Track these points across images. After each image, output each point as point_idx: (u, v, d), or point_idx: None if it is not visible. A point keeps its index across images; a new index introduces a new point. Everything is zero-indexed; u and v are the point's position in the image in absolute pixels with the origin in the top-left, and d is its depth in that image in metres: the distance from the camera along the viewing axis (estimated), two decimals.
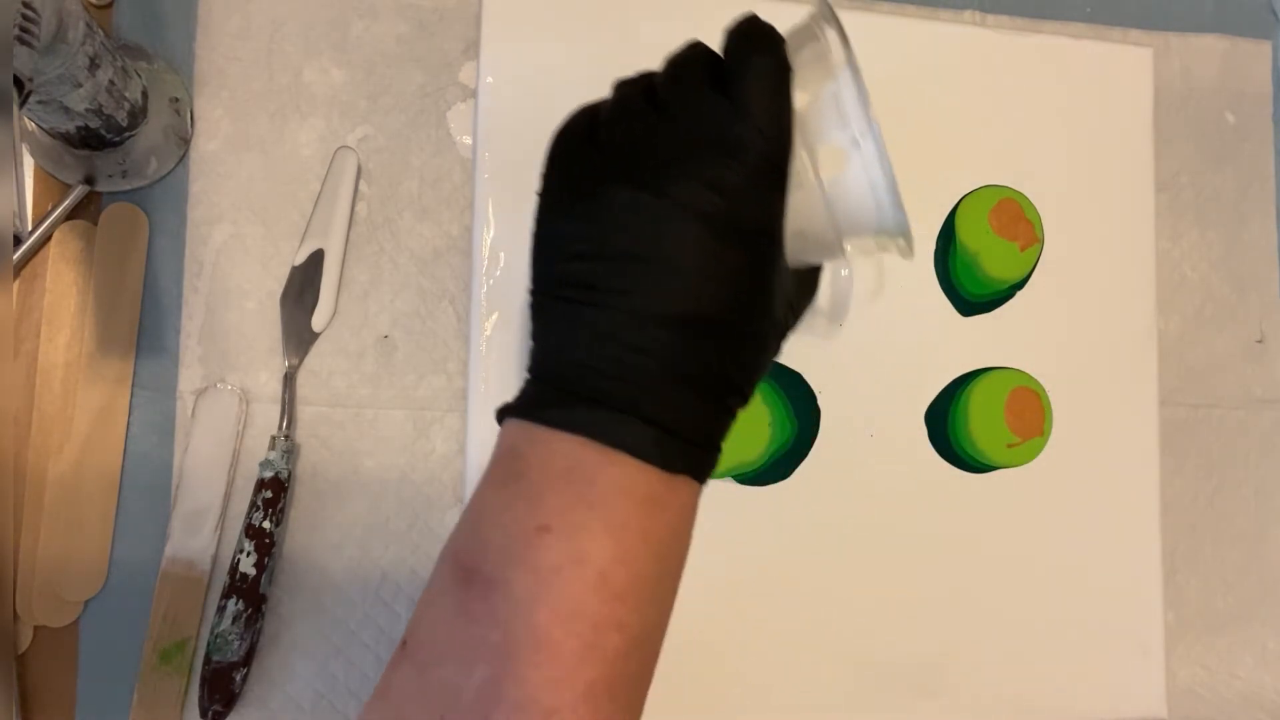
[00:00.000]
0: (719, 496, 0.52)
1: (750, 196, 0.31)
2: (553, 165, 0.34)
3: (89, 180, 0.48)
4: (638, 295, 0.30)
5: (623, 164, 0.31)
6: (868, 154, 0.32)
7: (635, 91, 0.34)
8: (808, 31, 0.35)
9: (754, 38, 0.33)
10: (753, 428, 0.52)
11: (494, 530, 0.31)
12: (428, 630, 0.31)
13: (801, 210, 0.33)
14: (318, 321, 0.50)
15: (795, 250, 0.34)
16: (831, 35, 0.34)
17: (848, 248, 0.36)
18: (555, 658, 0.29)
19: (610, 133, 0.33)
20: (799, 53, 0.34)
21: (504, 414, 0.33)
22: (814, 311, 0.39)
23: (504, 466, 0.32)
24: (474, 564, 0.31)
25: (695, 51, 0.34)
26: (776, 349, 0.36)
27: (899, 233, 0.34)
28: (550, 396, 0.31)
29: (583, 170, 0.32)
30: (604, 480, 0.30)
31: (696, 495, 0.34)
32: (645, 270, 0.30)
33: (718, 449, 0.34)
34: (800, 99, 0.33)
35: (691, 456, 0.32)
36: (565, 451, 0.30)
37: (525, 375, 0.33)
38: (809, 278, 0.39)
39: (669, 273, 0.30)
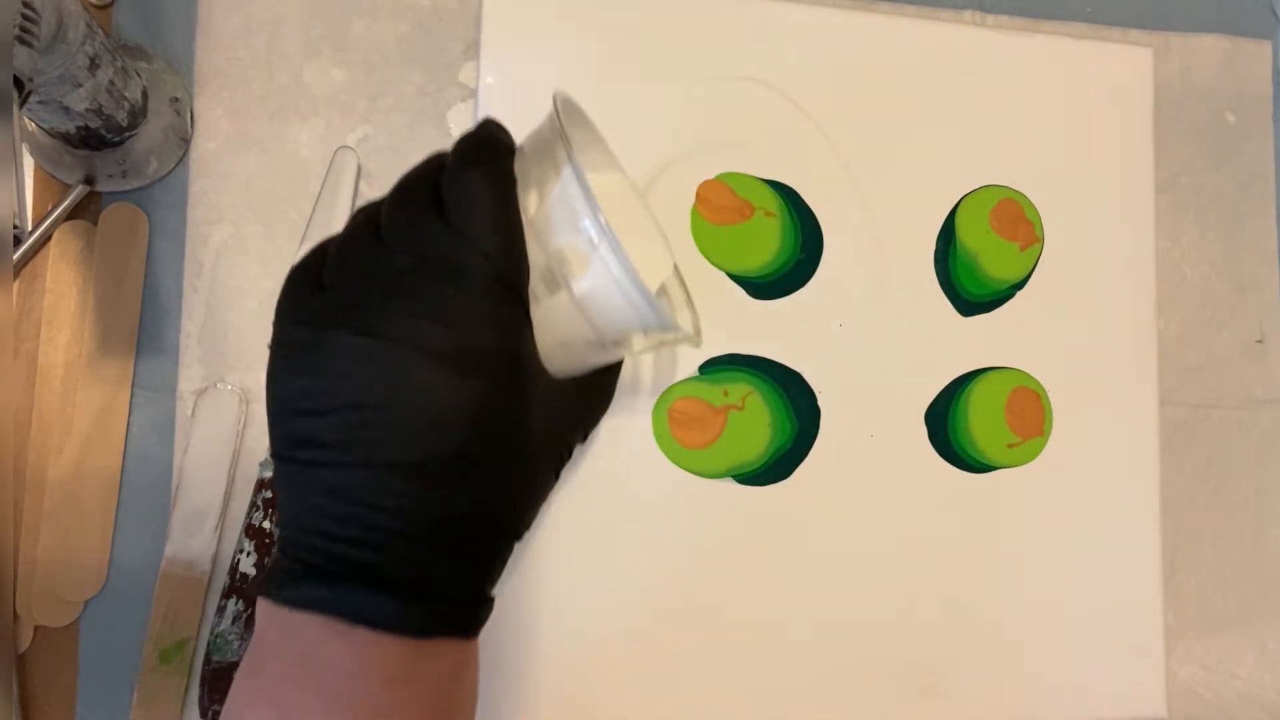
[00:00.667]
0: (719, 497, 0.52)
1: (480, 322, 0.28)
2: (278, 316, 0.31)
3: (89, 180, 0.48)
4: (366, 447, 0.28)
5: (343, 310, 0.29)
6: (606, 256, 0.30)
7: (362, 225, 0.31)
8: (543, 130, 0.33)
9: (469, 151, 0.31)
10: (753, 428, 0.52)
11: None
12: None
13: (559, 318, 0.31)
14: None
15: (566, 361, 0.32)
16: (557, 133, 0.32)
17: (633, 345, 0.33)
18: None
19: (333, 272, 0.30)
20: (533, 154, 0.33)
21: (255, 592, 0.30)
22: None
23: (251, 655, 0.30)
24: None
25: (422, 171, 0.32)
26: (555, 472, 0.33)
27: (663, 328, 0.32)
28: (288, 571, 0.29)
29: (305, 316, 0.30)
30: (342, 663, 0.28)
31: (468, 652, 0.31)
32: (372, 419, 0.28)
33: (486, 599, 0.31)
34: (532, 203, 0.31)
35: (451, 616, 0.29)
36: (302, 634, 0.28)
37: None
38: (598, 384, 0.36)
39: (397, 418, 0.28)
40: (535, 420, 0.31)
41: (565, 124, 0.33)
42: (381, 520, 0.28)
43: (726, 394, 0.52)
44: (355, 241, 0.31)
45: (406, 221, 0.30)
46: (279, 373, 0.30)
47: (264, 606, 0.29)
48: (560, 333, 0.32)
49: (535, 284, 0.31)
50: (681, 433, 0.51)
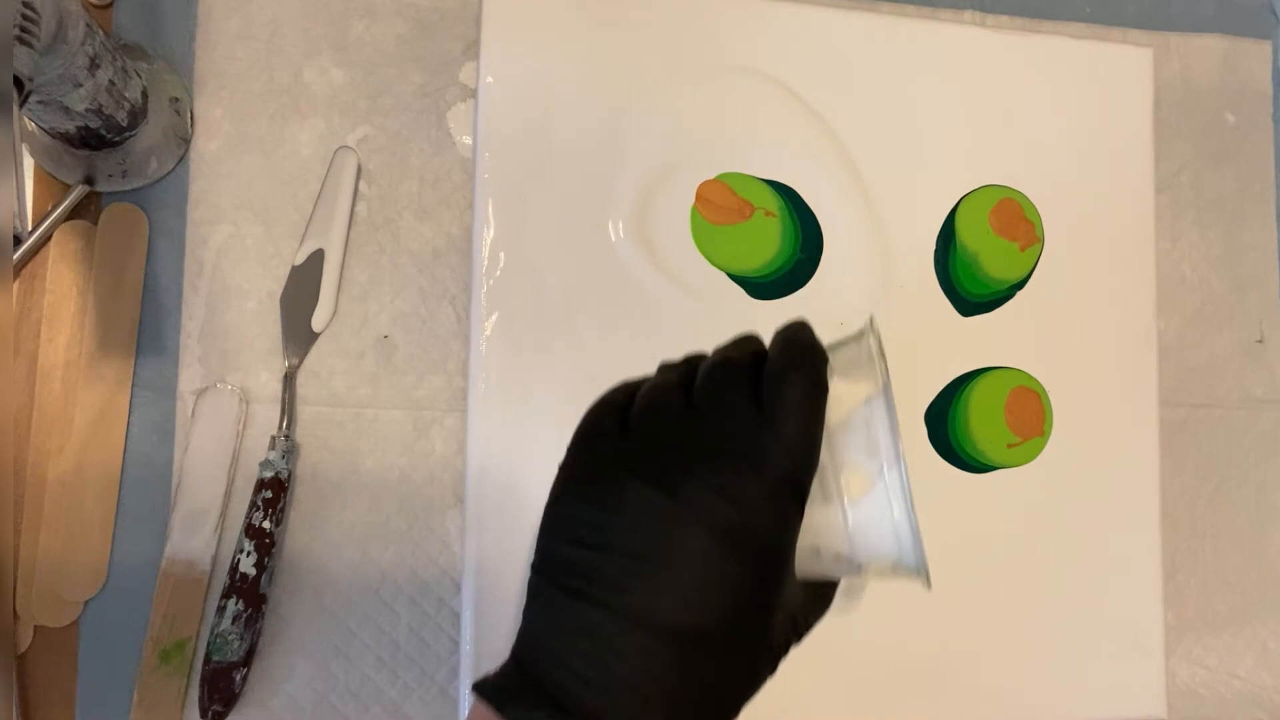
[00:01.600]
0: None
1: (765, 513, 0.30)
2: (579, 443, 0.33)
3: (89, 180, 0.48)
4: (631, 596, 0.29)
5: (646, 460, 0.31)
6: (892, 488, 0.32)
7: (674, 382, 0.33)
8: (853, 347, 0.35)
9: (796, 351, 0.33)
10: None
11: None
12: None
13: (821, 526, 0.32)
14: (318, 321, 0.50)
15: (808, 565, 0.33)
16: (875, 359, 0.34)
17: (863, 570, 0.34)
18: None
19: (640, 422, 0.32)
20: (841, 365, 0.34)
21: (476, 688, 0.31)
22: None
23: None
24: None
25: (739, 353, 0.34)
26: (771, 670, 0.34)
27: (918, 571, 0.33)
28: (518, 686, 0.30)
29: (606, 456, 0.32)
30: None
31: None
32: (645, 571, 0.29)
33: None
34: (835, 414, 0.32)
35: None
36: None
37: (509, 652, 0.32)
38: (821, 591, 0.38)
39: (668, 578, 0.29)
40: (775, 616, 0.33)
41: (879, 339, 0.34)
42: (624, 672, 0.29)
43: None
44: (667, 395, 0.33)
45: (726, 399, 0.32)
46: (569, 499, 0.32)
47: (484, 711, 0.30)
48: (816, 539, 0.33)
49: (814, 487, 0.32)
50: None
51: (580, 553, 0.30)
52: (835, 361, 0.34)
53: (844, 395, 0.33)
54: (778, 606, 0.32)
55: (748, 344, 0.35)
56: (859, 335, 0.35)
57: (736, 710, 0.33)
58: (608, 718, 0.29)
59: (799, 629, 0.37)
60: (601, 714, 0.29)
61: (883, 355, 0.33)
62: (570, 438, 0.33)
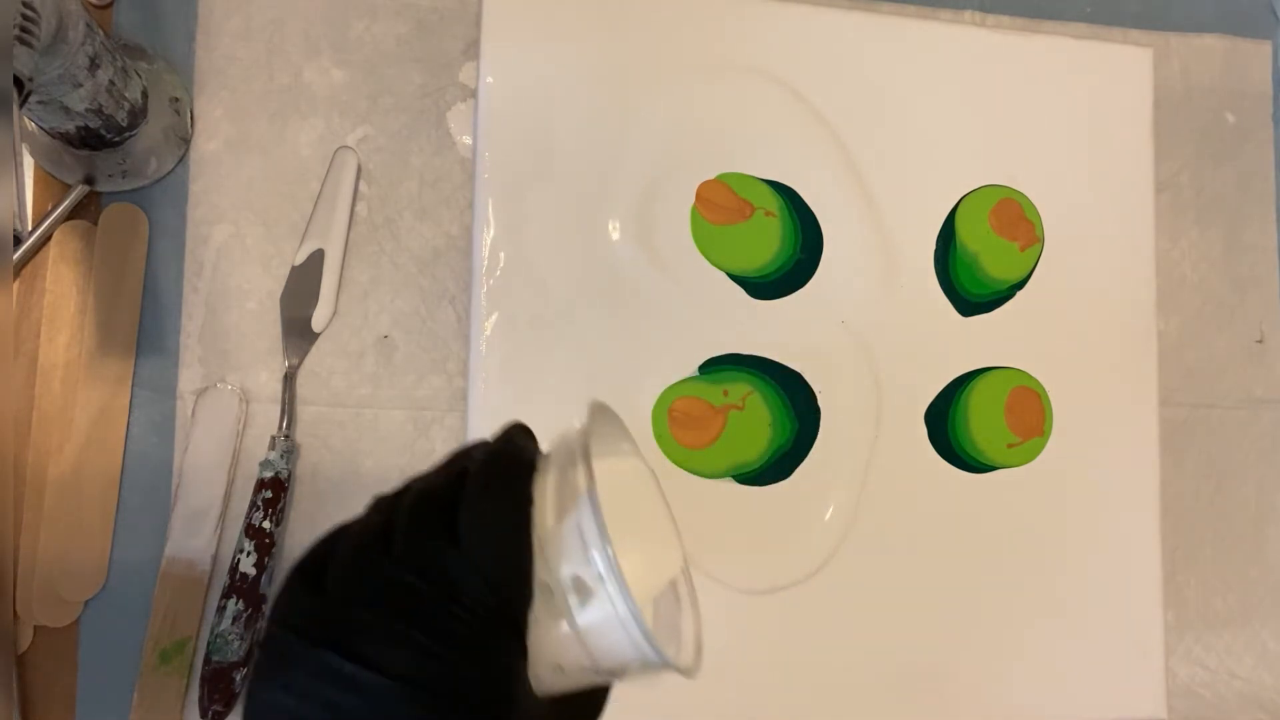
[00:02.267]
0: (719, 497, 0.52)
1: (470, 655, 0.27)
2: (273, 610, 0.29)
3: (89, 180, 0.48)
4: None
5: (336, 620, 0.28)
6: (611, 592, 0.30)
7: (375, 528, 0.30)
8: (569, 443, 0.33)
9: (492, 470, 0.30)
10: (753, 427, 0.52)
11: None
12: None
13: (557, 644, 0.31)
14: (318, 321, 0.50)
15: (554, 682, 0.32)
16: (579, 459, 0.31)
17: (617, 674, 0.33)
18: None
19: (335, 575, 0.29)
20: (561, 468, 0.32)
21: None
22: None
23: None
24: None
25: (444, 478, 0.31)
26: None
27: (662, 666, 0.31)
28: None
29: (296, 621, 0.28)
30: None
31: None
32: None
33: None
34: (550, 522, 0.31)
35: None
36: None
37: None
38: (589, 703, 0.35)
39: None
40: None
41: (590, 436, 0.32)
42: None
43: (726, 394, 0.52)
44: (362, 549, 0.29)
45: (418, 538, 0.29)
46: (259, 681, 0.29)
47: None
48: (557, 658, 0.31)
49: (538, 606, 0.30)
50: (681, 433, 0.51)
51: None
52: (554, 461, 0.32)
53: (562, 500, 0.31)
54: None
55: (459, 462, 0.32)
56: (575, 432, 0.33)
57: None
58: None
59: None
60: None
61: (587, 453, 0.31)
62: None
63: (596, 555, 0.30)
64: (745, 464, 0.52)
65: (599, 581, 0.30)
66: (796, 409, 0.53)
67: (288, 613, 0.29)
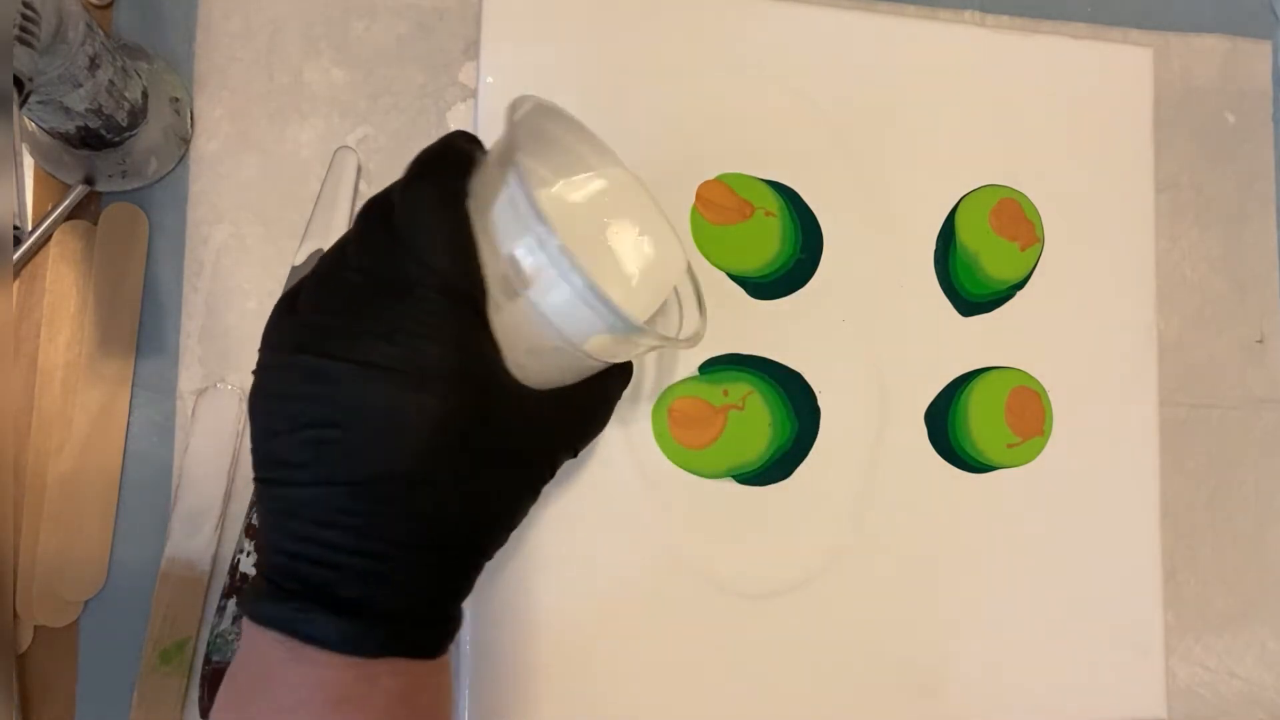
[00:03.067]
0: (719, 496, 0.52)
1: (428, 335, 0.29)
2: (263, 343, 0.32)
3: (89, 180, 0.48)
4: (322, 466, 0.28)
5: (308, 328, 0.30)
6: (555, 260, 0.30)
7: (333, 248, 0.32)
8: (501, 138, 0.33)
9: (418, 163, 0.32)
10: (753, 427, 0.52)
11: None
12: None
13: (522, 326, 0.31)
14: None
15: (542, 370, 0.32)
16: (507, 139, 0.31)
17: (612, 351, 0.32)
18: None
19: (306, 295, 0.31)
20: (498, 157, 0.32)
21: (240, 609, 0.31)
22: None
23: (232, 664, 0.31)
24: None
25: (383, 193, 0.32)
26: (532, 488, 0.33)
27: (630, 331, 0.31)
28: (258, 586, 0.30)
29: (275, 341, 0.31)
30: (295, 681, 0.28)
31: (428, 671, 0.31)
32: (327, 438, 0.28)
33: (449, 617, 0.31)
34: (487, 210, 0.31)
35: (407, 635, 0.29)
36: (263, 651, 0.29)
37: None
38: (590, 396, 0.35)
39: (351, 436, 0.28)
40: (502, 434, 0.30)
41: (524, 126, 0.32)
42: (335, 538, 0.28)
43: (726, 394, 0.52)
44: (326, 266, 0.31)
45: (362, 239, 0.31)
46: (253, 395, 0.31)
47: (243, 623, 0.30)
48: (526, 340, 0.31)
49: (495, 292, 0.31)
50: (681, 433, 0.51)
51: (272, 443, 0.30)
52: (491, 160, 0.32)
53: (495, 186, 0.31)
54: (493, 421, 0.30)
55: (392, 187, 0.33)
56: (509, 121, 0.33)
57: (493, 541, 0.32)
58: (338, 588, 0.28)
59: (568, 440, 0.35)
60: (330, 587, 0.28)
61: (511, 132, 0.31)
62: None
63: (530, 222, 0.30)
64: (745, 464, 0.52)
65: (539, 250, 0.30)
66: (796, 409, 0.53)
67: (269, 333, 0.31)
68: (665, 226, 0.39)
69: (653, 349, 0.32)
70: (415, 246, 0.29)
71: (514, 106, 0.34)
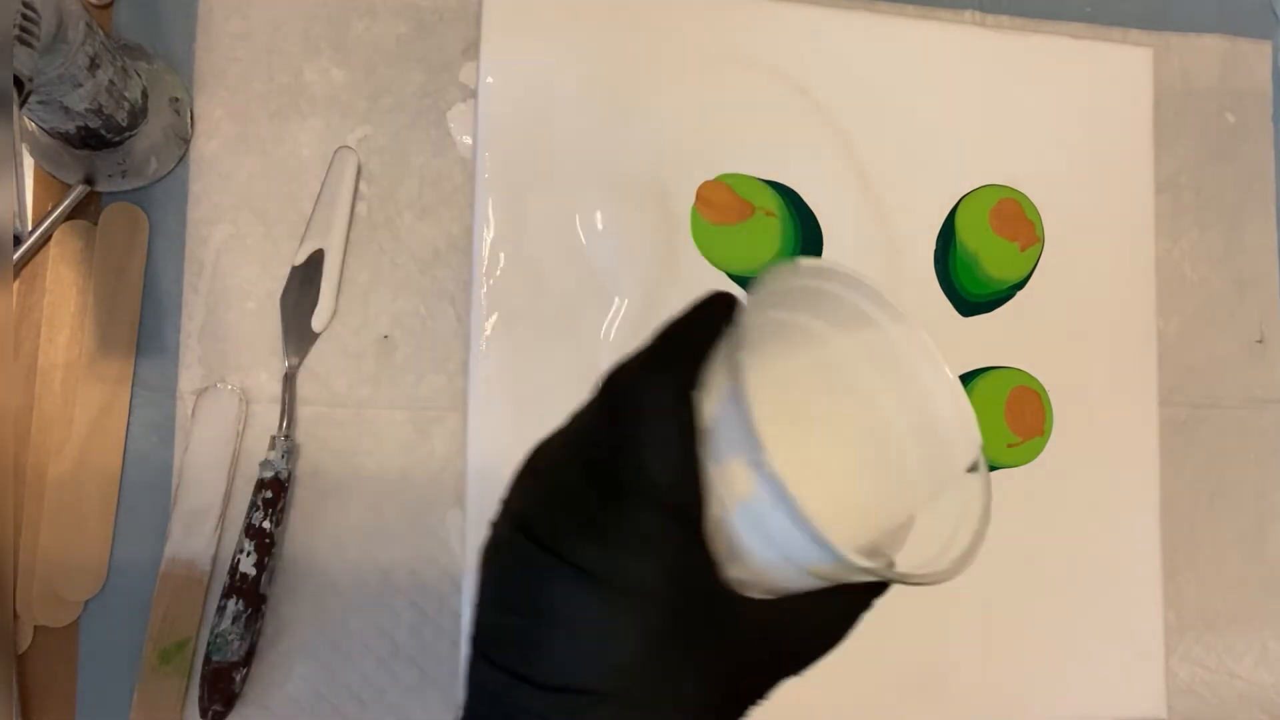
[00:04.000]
0: None
1: (640, 550, 0.28)
2: (506, 490, 0.31)
3: (89, 180, 0.48)
4: (521, 659, 0.28)
5: (531, 505, 0.30)
6: (765, 482, 0.27)
7: (579, 411, 0.31)
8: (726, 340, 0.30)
9: (664, 343, 0.30)
10: None
11: None
12: None
13: (743, 540, 0.29)
14: (318, 321, 0.50)
15: (767, 583, 0.30)
16: (728, 350, 0.29)
17: (813, 571, 0.29)
18: None
19: (542, 462, 0.31)
20: (724, 356, 0.30)
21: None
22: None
23: None
24: None
25: (624, 365, 0.31)
26: (742, 710, 0.31)
27: (854, 570, 0.28)
28: None
29: (509, 507, 0.30)
30: None
31: None
32: (529, 631, 0.28)
33: None
34: (713, 405, 0.29)
35: None
36: None
37: None
38: (822, 613, 0.32)
39: (551, 639, 0.28)
40: (710, 652, 0.29)
41: (783, 293, 0.30)
42: None
43: None
44: (569, 429, 0.31)
45: (589, 421, 0.30)
46: (484, 549, 0.30)
47: None
48: (745, 553, 0.29)
49: (715, 498, 0.29)
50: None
51: (483, 609, 0.29)
52: (723, 346, 0.30)
53: (720, 386, 0.29)
54: (708, 642, 0.29)
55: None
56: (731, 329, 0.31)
57: None
58: None
59: (795, 658, 0.33)
60: None
61: (740, 330, 0.29)
62: None
63: (745, 436, 0.27)
64: None
65: (755, 466, 0.27)
66: None
67: (511, 485, 0.31)
68: (956, 394, 0.34)
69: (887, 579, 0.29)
70: (639, 454, 0.28)
71: (757, 283, 0.30)
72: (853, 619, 0.33)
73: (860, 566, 0.28)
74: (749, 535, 0.29)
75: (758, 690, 0.32)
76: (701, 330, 0.30)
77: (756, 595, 0.30)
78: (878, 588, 0.33)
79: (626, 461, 0.28)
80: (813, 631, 0.33)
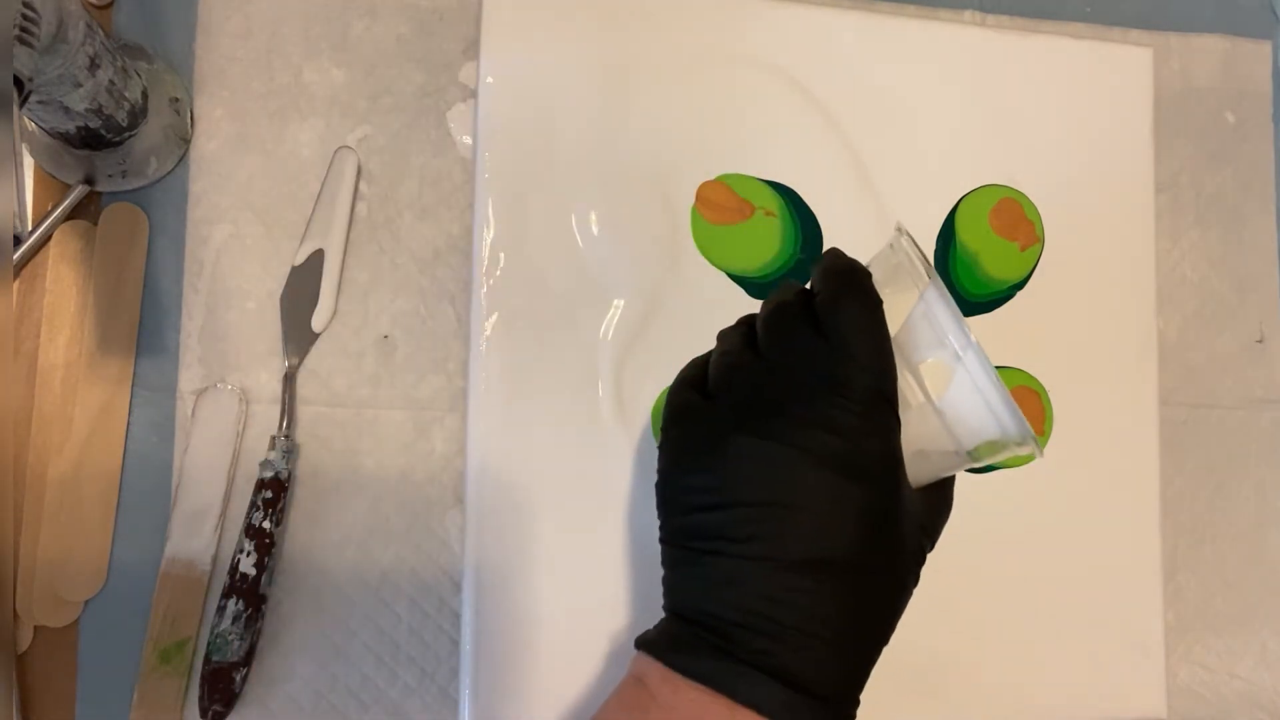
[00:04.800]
0: None
1: (865, 432, 0.31)
2: (670, 420, 0.35)
3: (89, 180, 0.48)
4: (766, 542, 0.30)
5: (737, 414, 0.32)
6: (971, 367, 0.33)
7: (737, 341, 0.35)
8: (888, 256, 0.36)
9: (839, 276, 0.34)
10: None
11: None
12: None
13: (917, 431, 0.33)
14: (318, 321, 0.50)
15: (919, 471, 0.34)
16: (913, 258, 0.34)
17: (980, 456, 0.35)
18: None
19: (719, 384, 0.34)
20: (883, 277, 0.35)
21: (639, 644, 0.33)
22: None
23: (630, 696, 0.33)
24: None
25: (788, 295, 0.35)
26: (914, 580, 0.35)
27: (1021, 437, 0.34)
28: (681, 638, 0.32)
29: (700, 424, 0.33)
30: None
31: None
32: (772, 516, 0.30)
33: (854, 703, 0.33)
34: (894, 322, 0.34)
35: (827, 712, 0.31)
36: (691, 699, 0.31)
37: (664, 608, 0.34)
38: (940, 493, 0.38)
39: (796, 517, 0.30)
40: (902, 528, 0.33)
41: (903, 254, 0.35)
42: (779, 613, 0.30)
43: None
44: (737, 355, 0.34)
45: (791, 340, 0.33)
46: (676, 472, 0.34)
47: (649, 662, 0.32)
48: (918, 444, 0.34)
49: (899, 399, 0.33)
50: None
51: (701, 517, 0.32)
52: (877, 275, 0.35)
53: (894, 303, 0.34)
54: (903, 517, 0.33)
55: (791, 289, 0.36)
56: (890, 246, 0.36)
57: (892, 624, 0.34)
58: (772, 658, 0.30)
59: (930, 534, 0.37)
60: (765, 654, 0.30)
61: (920, 254, 0.34)
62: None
63: (951, 333, 0.33)
64: None
65: (955, 359, 0.33)
66: None
67: (688, 412, 0.34)
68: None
69: (1005, 457, 0.36)
70: (856, 352, 0.32)
71: (901, 227, 0.36)
72: (951, 501, 0.39)
73: (1032, 435, 0.33)
74: (927, 425, 0.34)
75: (918, 565, 0.36)
76: (865, 274, 0.35)
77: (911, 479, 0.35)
78: (954, 478, 0.39)
79: (842, 364, 0.32)
80: (940, 511, 0.38)
